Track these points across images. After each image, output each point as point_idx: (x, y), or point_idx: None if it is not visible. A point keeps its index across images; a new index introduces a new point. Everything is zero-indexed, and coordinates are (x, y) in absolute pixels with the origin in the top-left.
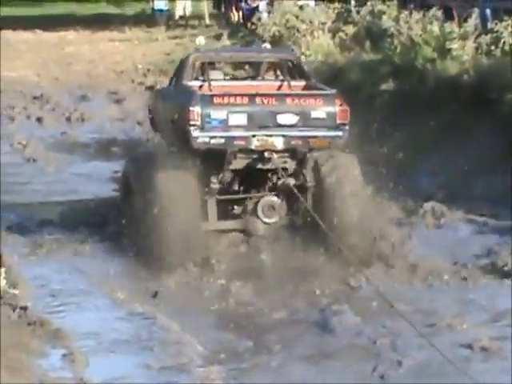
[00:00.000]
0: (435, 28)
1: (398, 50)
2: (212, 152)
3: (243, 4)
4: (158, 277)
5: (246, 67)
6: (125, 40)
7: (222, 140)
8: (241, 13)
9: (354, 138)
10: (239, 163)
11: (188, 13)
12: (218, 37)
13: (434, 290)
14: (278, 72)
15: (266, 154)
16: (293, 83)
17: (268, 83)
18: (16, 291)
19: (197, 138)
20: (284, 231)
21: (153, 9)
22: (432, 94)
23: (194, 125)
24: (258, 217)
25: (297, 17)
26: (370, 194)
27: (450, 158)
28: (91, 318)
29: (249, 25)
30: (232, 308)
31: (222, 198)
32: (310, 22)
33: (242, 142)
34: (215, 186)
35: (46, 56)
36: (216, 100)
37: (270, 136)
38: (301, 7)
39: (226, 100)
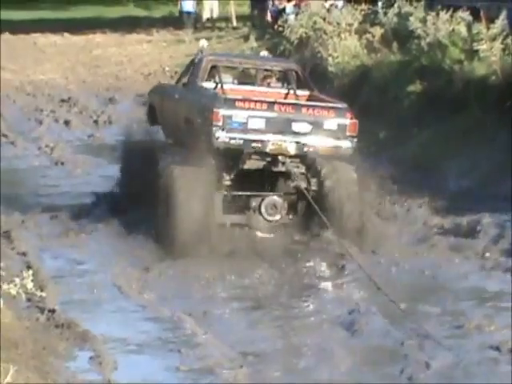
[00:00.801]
0: (462, 29)
1: (425, 52)
2: (227, 151)
3: (270, 6)
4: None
5: (250, 73)
6: (152, 42)
7: (241, 141)
8: (268, 14)
9: (380, 139)
10: (253, 164)
11: (215, 15)
12: (246, 38)
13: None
14: (283, 80)
15: (280, 158)
16: (298, 92)
17: (275, 91)
18: (44, 293)
19: (218, 137)
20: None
21: (180, 11)
22: (459, 96)
23: (216, 125)
24: (261, 214)
25: (324, 19)
26: (365, 195)
27: (476, 159)
28: (118, 319)
29: (276, 27)
30: (255, 305)
31: (230, 194)
32: (337, 24)
33: (259, 145)
34: (227, 182)
35: (73, 59)
36: (238, 104)
37: (285, 141)
38: (328, 9)
39: (247, 105)
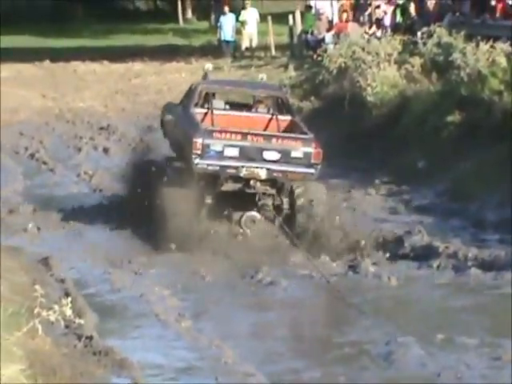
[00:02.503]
0: (502, 60)
1: (464, 82)
2: (207, 175)
3: (309, 35)
4: None
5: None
6: (191, 71)
7: (217, 167)
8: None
9: (418, 169)
10: (229, 186)
11: (254, 44)
12: (284, 67)
13: None
14: (270, 105)
15: (251, 182)
16: (280, 117)
17: (259, 116)
18: (81, 321)
19: (197, 164)
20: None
21: (219, 40)
22: (498, 126)
23: (195, 153)
24: (241, 227)
25: (363, 48)
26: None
27: None
28: (154, 346)
29: (315, 56)
30: (293, 335)
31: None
32: (376, 54)
33: (233, 171)
34: (208, 201)
35: (113, 87)
36: (215, 135)
37: (256, 168)
38: (367, 39)
39: (223, 135)
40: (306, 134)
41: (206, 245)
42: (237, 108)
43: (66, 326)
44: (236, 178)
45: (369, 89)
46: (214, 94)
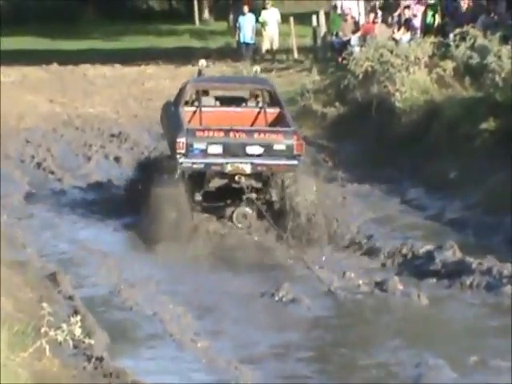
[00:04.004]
0: None
1: (499, 87)
2: (193, 173)
3: (334, 37)
4: None
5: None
6: (208, 74)
7: (202, 165)
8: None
9: (450, 180)
10: (216, 182)
11: (275, 46)
12: (308, 71)
13: None
14: (259, 98)
15: (236, 177)
16: (269, 110)
17: (248, 110)
18: (91, 341)
19: (182, 163)
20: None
21: (238, 42)
22: None
23: (179, 153)
24: (232, 222)
25: (391, 51)
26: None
27: None
28: (169, 368)
29: (340, 59)
30: (314, 356)
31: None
32: (406, 57)
33: (218, 168)
34: (198, 198)
35: (125, 92)
36: (198, 133)
37: (241, 163)
38: (396, 41)
39: (206, 133)
40: (289, 126)
41: (201, 244)
42: (226, 103)
43: (75, 347)
44: (222, 175)
45: (397, 94)
46: (205, 91)
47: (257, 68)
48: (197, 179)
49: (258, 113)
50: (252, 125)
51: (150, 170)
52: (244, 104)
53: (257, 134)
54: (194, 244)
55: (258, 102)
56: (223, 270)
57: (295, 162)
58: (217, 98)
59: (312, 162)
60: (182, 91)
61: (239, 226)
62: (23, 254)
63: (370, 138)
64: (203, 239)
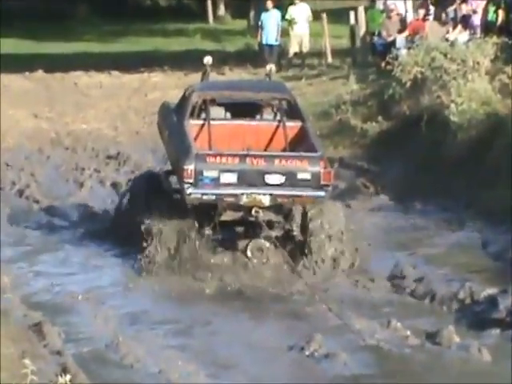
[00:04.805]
0: None
1: None
2: (202, 205)
3: (376, 38)
4: None
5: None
6: None
7: (213, 197)
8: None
9: None
10: (229, 215)
11: (305, 49)
12: (344, 79)
13: None
14: (276, 108)
15: (253, 210)
16: (289, 124)
17: (264, 124)
18: None
19: (190, 194)
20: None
21: (260, 43)
22: None
23: (187, 182)
24: (247, 257)
25: (445, 55)
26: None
27: None
28: None
29: (383, 64)
30: None
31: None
32: (463, 61)
33: (232, 199)
34: (208, 232)
35: (124, 104)
36: (209, 159)
37: (258, 194)
38: (451, 43)
39: (218, 159)
40: (313, 146)
41: (213, 284)
42: (237, 114)
43: None
44: (236, 207)
45: (453, 106)
46: (212, 100)
47: (271, 67)
48: (206, 210)
49: (277, 127)
50: (270, 142)
51: (149, 193)
52: (258, 114)
53: (278, 160)
54: (203, 284)
55: (275, 113)
56: (240, 317)
57: (322, 194)
58: (224, 105)
59: (349, 187)
60: (186, 100)
61: (254, 261)
62: (3, 300)
63: (419, 158)
64: (214, 278)
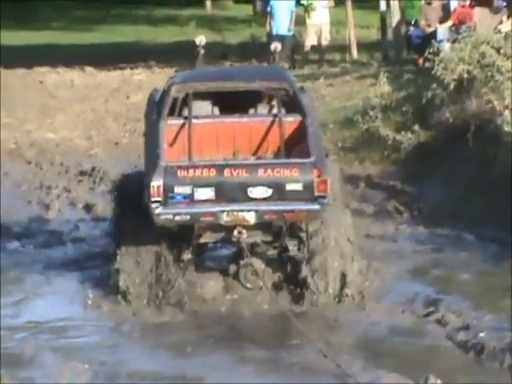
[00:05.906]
0: None
1: None
2: (176, 227)
3: (412, 28)
4: None
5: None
6: None
7: (188, 217)
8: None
9: None
10: (209, 237)
11: (325, 42)
12: (373, 78)
13: None
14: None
15: (235, 232)
16: (286, 119)
17: (258, 119)
18: None
19: (159, 214)
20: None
21: (269, 34)
22: None
23: (155, 200)
24: (239, 281)
25: (498, 49)
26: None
27: None
28: None
29: (420, 61)
30: None
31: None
32: None
33: (210, 218)
34: (188, 256)
35: (101, 108)
36: (180, 173)
37: (241, 211)
38: (504, 35)
39: (191, 172)
40: (308, 152)
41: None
42: (227, 109)
43: None
44: (216, 227)
45: (507, 113)
46: (196, 94)
47: (276, 45)
48: (183, 232)
49: (272, 123)
50: (264, 142)
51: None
52: (253, 108)
53: (262, 169)
54: (186, 325)
55: (272, 106)
56: (240, 371)
57: (317, 207)
58: (211, 99)
59: (378, 212)
60: (164, 95)
61: (248, 286)
62: None
63: (464, 177)
64: (201, 315)
